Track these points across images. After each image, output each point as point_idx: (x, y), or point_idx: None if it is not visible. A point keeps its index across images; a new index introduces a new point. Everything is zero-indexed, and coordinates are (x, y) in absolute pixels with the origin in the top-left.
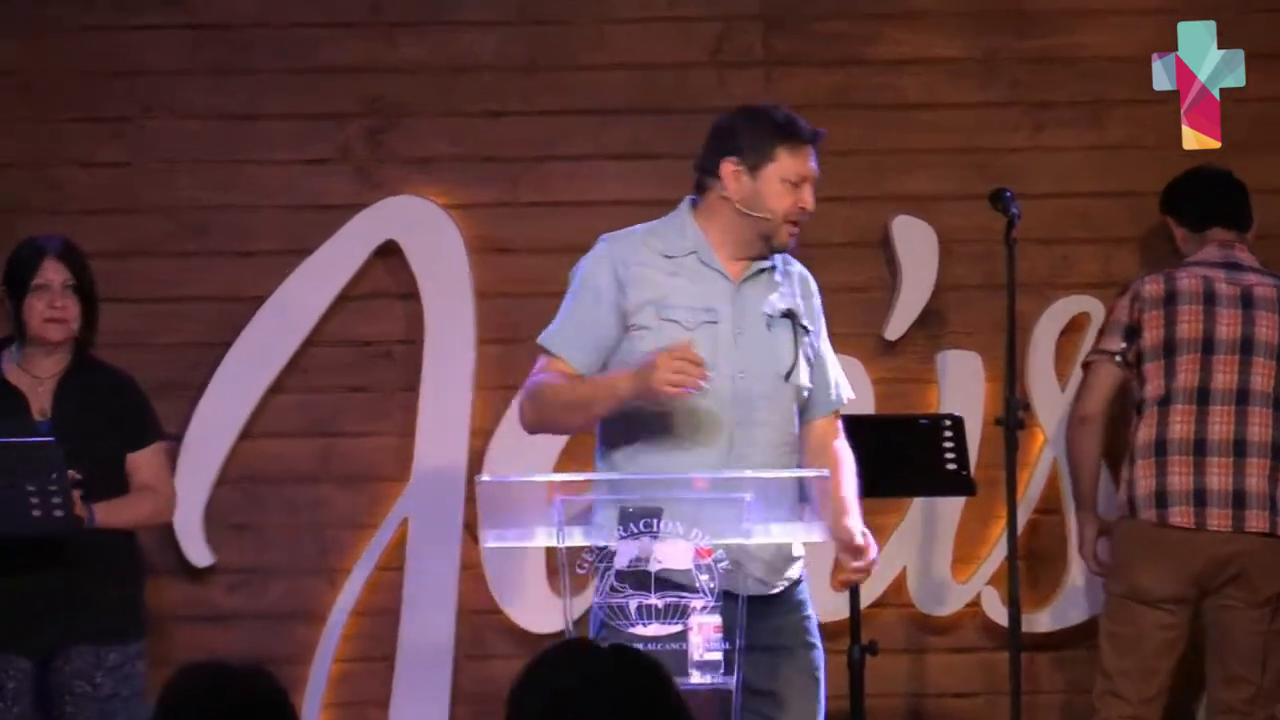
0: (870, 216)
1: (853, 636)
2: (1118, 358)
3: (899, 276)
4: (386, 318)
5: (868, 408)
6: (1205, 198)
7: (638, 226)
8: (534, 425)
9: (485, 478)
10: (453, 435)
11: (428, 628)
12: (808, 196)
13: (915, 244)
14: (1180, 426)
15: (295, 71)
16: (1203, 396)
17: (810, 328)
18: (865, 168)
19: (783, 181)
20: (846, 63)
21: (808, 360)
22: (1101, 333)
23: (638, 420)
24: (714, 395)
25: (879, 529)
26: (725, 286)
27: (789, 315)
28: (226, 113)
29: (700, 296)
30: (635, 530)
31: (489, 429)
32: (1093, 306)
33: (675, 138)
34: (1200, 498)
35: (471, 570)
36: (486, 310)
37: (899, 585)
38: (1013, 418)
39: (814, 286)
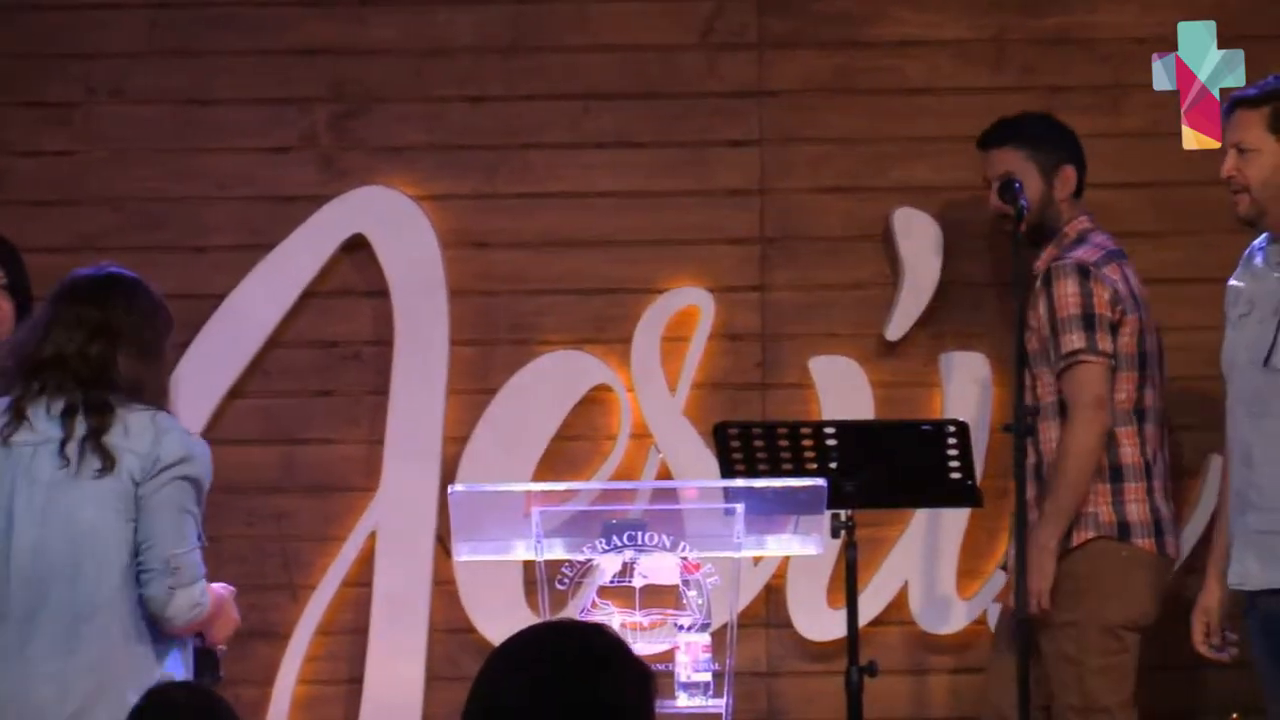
0: (870, 208)
1: (850, 657)
2: (1113, 362)
3: (900, 273)
4: (354, 317)
5: (866, 412)
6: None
7: None
8: None
9: (458, 487)
10: (424, 442)
11: (397, 647)
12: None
13: (918, 238)
14: (1152, 448)
15: (256, 53)
16: (1162, 418)
17: None
18: (866, 157)
19: None
20: (846, 44)
21: None
22: (1090, 328)
23: None
24: None
25: (879, 542)
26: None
27: None
28: (181, 97)
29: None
30: (618, 543)
31: (463, 435)
32: None
33: (664, 125)
34: (1172, 528)
35: (444, 586)
36: (461, 309)
37: (900, 602)
38: (1021, 424)
39: None
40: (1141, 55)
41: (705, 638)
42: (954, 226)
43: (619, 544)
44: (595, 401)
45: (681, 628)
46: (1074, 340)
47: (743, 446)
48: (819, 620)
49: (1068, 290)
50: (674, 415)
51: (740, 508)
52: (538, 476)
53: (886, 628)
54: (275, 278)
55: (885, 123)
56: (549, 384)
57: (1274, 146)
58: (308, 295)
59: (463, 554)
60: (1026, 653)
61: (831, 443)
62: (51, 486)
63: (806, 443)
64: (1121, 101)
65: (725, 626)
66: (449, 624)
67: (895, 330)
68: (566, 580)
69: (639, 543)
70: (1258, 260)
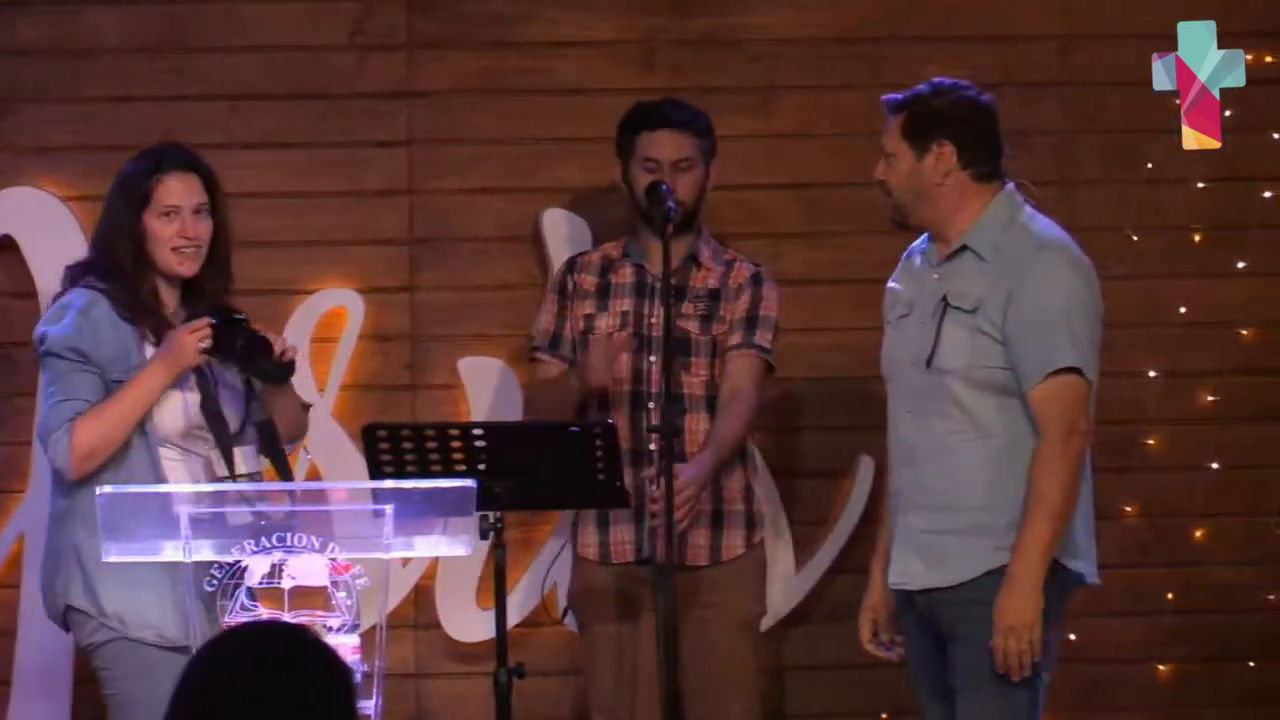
0: (520, 209)
1: (499, 658)
2: None
3: (549, 273)
4: (2, 319)
5: (516, 414)
6: None
7: None
8: None
9: (105, 488)
10: None
11: (45, 648)
12: None
13: (567, 239)
14: None
15: None
16: None
17: None
18: (515, 157)
19: None
20: (497, 45)
21: None
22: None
23: None
24: None
25: (525, 544)
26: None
27: None
28: None
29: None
30: (267, 544)
31: None
32: None
33: (312, 125)
34: None
35: None
36: None
37: (549, 604)
38: (669, 425)
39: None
40: (791, 56)
41: (354, 639)
42: (603, 227)
43: (268, 545)
44: None
45: (330, 629)
46: (770, 339)
47: (391, 448)
48: (468, 621)
49: (774, 295)
50: (323, 416)
51: (389, 509)
52: None
53: (537, 629)
54: None
55: (535, 123)
56: None
57: (907, 152)
58: None
59: (111, 554)
60: (673, 644)
61: (480, 444)
62: None
63: (455, 444)
64: (771, 102)
65: (374, 627)
66: None
67: None
68: (215, 581)
69: (287, 544)
70: (917, 261)
